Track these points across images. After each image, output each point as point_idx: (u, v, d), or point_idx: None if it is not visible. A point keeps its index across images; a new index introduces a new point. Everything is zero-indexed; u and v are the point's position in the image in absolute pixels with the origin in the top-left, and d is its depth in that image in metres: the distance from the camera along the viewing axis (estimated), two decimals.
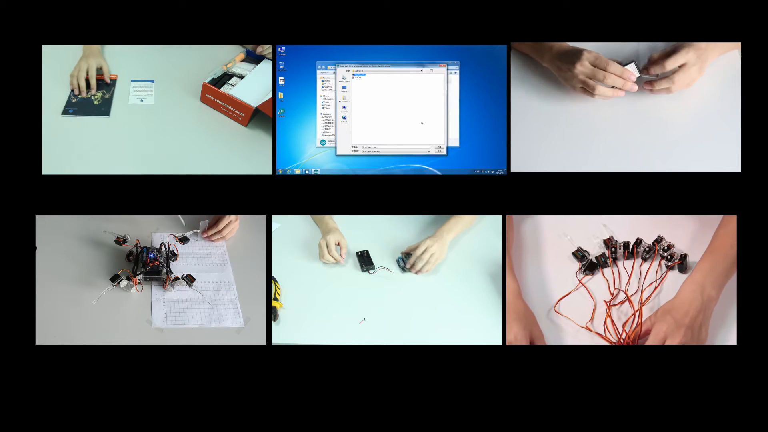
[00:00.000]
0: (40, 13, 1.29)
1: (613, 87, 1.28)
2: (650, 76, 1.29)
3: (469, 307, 1.32)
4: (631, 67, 1.28)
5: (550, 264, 1.35)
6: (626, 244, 1.34)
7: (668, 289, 1.27)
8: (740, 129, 1.27)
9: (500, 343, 1.24)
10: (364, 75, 1.31)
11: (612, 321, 1.23)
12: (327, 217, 1.48)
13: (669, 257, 1.31)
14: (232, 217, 1.47)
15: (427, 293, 1.35)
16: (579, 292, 1.29)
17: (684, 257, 1.31)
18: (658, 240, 1.34)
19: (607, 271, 1.32)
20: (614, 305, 1.26)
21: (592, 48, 1.29)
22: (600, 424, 1.23)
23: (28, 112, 1.29)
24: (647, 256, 1.33)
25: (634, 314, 1.23)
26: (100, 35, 1.30)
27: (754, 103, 1.27)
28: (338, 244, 1.42)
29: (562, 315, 1.25)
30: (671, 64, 1.26)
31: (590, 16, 1.28)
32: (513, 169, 1.29)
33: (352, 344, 1.24)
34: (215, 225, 1.47)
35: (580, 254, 1.34)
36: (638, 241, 1.34)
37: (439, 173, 1.31)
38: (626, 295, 1.27)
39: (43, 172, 1.28)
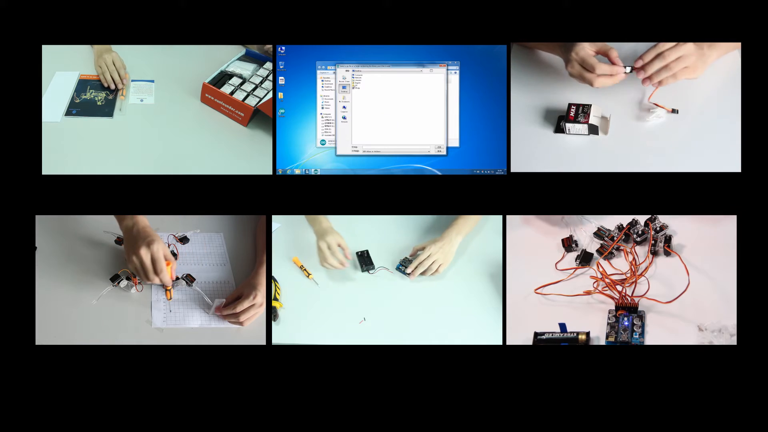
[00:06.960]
0: (40, 13, 1.29)
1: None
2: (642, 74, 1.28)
3: (469, 307, 1.32)
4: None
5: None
6: (620, 227, 1.35)
7: (661, 272, 1.28)
8: (740, 129, 1.27)
9: (500, 343, 1.25)
10: (363, 76, 1.32)
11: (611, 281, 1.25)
12: (321, 217, 1.43)
13: (662, 239, 1.32)
14: (258, 299, 1.23)
15: (427, 293, 1.35)
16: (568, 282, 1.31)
17: (669, 238, 1.31)
18: (652, 219, 1.34)
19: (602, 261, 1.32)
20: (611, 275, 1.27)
21: None
22: (600, 424, 1.23)
23: (28, 112, 1.29)
24: (640, 239, 1.33)
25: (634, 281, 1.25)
26: (100, 35, 1.30)
27: (754, 103, 1.27)
28: (339, 246, 1.38)
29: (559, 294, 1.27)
30: (671, 54, 1.25)
31: (590, 16, 1.28)
32: (513, 169, 1.29)
33: (352, 344, 1.24)
34: (232, 304, 1.24)
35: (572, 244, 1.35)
36: (633, 222, 1.34)
37: (439, 173, 1.31)
38: (632, 272, 1.27)
39: (43, 172, 1.28)
